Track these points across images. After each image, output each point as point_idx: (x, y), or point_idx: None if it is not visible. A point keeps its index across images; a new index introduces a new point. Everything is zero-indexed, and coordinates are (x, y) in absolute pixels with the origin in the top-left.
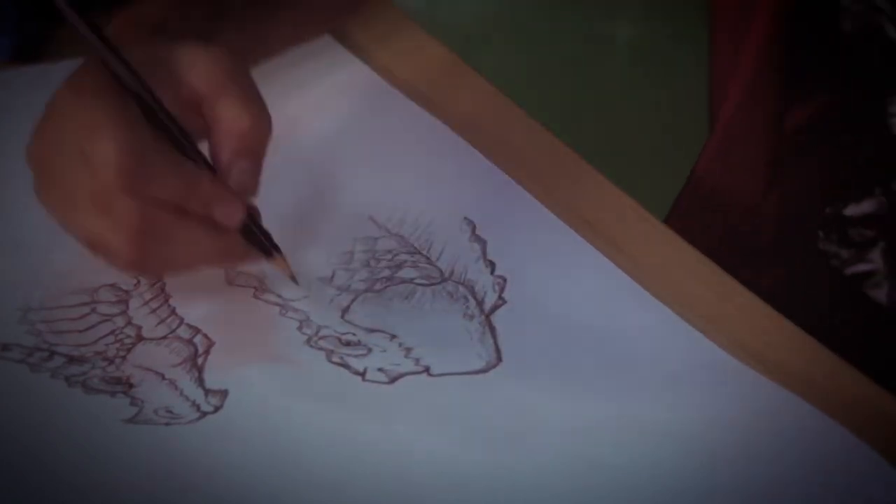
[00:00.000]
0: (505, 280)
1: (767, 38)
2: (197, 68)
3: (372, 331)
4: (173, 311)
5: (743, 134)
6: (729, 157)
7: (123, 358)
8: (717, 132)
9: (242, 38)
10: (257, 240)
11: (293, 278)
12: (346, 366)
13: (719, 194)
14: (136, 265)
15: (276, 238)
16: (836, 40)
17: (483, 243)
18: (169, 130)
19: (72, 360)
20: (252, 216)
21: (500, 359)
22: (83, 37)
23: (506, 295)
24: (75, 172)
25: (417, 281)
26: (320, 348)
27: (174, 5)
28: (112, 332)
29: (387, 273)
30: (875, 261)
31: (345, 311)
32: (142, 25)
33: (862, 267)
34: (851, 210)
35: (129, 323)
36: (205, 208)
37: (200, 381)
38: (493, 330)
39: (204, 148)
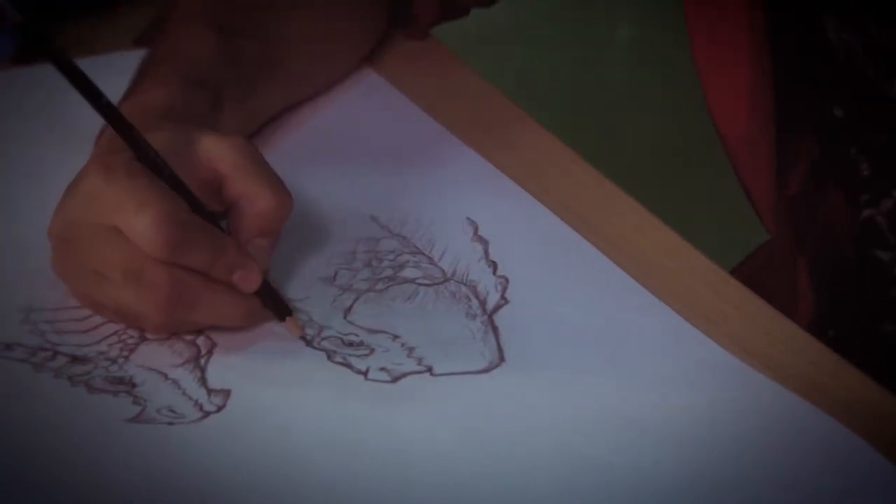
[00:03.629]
0: (507, 280)
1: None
2: (218, 153)
3: (374, 331)
4: None
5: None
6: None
7: (126, 358)
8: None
9: (241, 118)
10: (272, 303)
11: (304, 339)
12: (348, 366)
13: None
14: (164, 328)
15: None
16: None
17: (485, 244)
18: (193, 206)
19: (75, 359)
20: (266, 282)
21: (502, 358)
22: (106, 118)
23: (508, 295)
24: (104, 248)
25: (420, 281)
26: (323, 349)
27: (178, 93)
28: (115, 333)
29: (389, 273)
30: None
31: (347, 311)
32: (150, 111)
33: None
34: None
35: None
36: (227, 274)
37: (203, 381)
38: (495, 330)
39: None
